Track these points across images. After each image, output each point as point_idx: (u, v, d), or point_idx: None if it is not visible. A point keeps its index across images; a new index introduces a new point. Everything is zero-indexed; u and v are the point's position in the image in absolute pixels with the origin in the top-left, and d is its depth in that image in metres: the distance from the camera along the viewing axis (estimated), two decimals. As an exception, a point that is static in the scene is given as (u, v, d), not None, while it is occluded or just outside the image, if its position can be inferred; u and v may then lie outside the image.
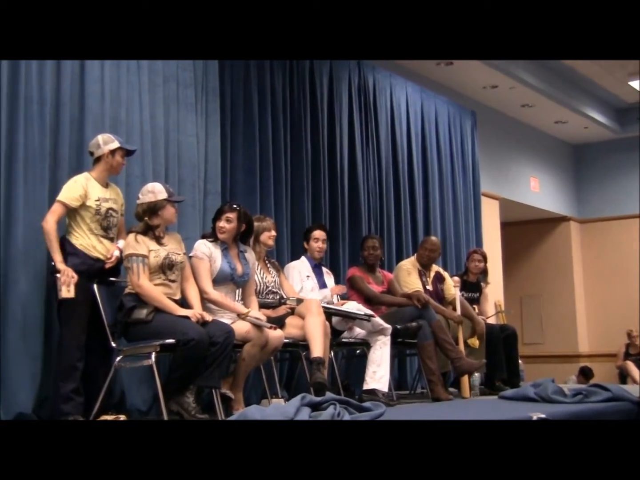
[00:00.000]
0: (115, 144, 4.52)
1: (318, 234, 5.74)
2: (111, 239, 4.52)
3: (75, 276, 4.21)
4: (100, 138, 4.53)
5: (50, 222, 4.29)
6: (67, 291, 4.17)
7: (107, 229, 4.48)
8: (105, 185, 4.54)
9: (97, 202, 4.42)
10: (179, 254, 4.52)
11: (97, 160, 4.52)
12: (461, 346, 6.04)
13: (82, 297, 4.31)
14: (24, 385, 4.35)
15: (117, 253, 4.48)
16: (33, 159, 4.55)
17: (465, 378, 5.96)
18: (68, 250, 4.35)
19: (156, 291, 4.34)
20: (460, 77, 8.69)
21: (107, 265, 4.45)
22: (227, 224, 4.73)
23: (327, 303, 5.40)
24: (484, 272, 7.10)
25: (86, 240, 4.39)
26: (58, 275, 4.19)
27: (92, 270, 4.37)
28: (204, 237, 4.85)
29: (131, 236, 4.40)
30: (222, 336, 4.21)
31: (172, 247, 4.50)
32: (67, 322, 4.31)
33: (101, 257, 4.42)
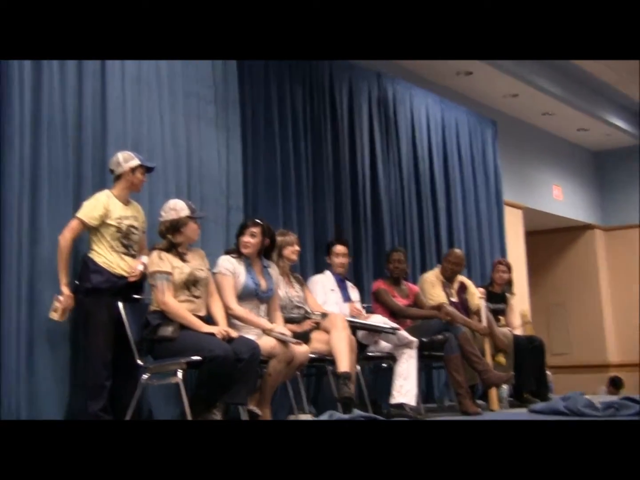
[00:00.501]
0: (136, 162, 4.53)
1: (339, 249, 5.71)
2: (133, 256, 4.51)
3: (72, 304, 4.25)
4: (121, 156, 4.54)
5: (66, 237, 4.31)
6: (56, 314, 4.23)
7: (129, 246, 4.48)
8: (126, 203, 4.54)
9: (119, 220, 4.43)
10: (203, 270, 4.51)
11: (118, 178, 4.53)
12: (488, 358, 5.97)
13: (107, 314, 4.32)
14: (52, 402, 4.35)
15: (140, 267, 4.47)
16: (57, 177, 4.56)
17: (494, 390, 5.90)
18: (91, 268, 4.36)
19: (181, 308, 4.32)
20: (480, 86, 8.65)
21: (131, 279, 4.44)
22: (251, 239, 4.73)
23: (352, 316, 5.37)
24: (509, 283, 7.03)
25: (108, 257, 4.39)
26: (60, 297, 4.23)
27: (115, 288, 4.37)
28: (227, 252, 4.84)
29: (155, 254, 4.39)
30: (248, 352, 4.19)
31: (195, 264, 4.49)
32: (93, 340, 4.31)
33: (124, 274, 4.42)
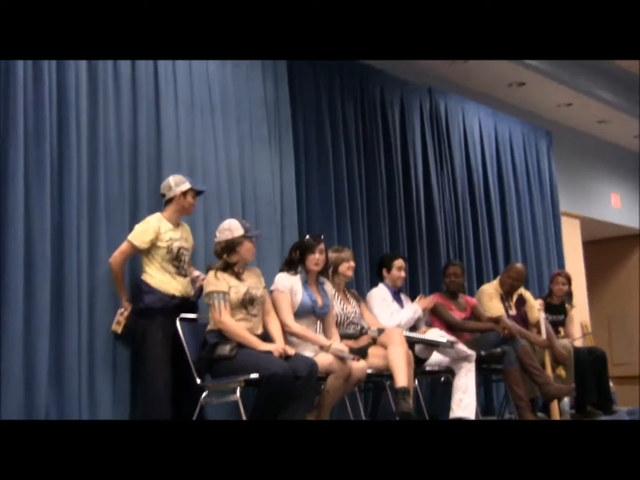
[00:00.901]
0: (187, 185, 4.61)
1: (400, 262, 5.73)
2: (184, 276, 4.62)
3: (126, 315, 4.45)
4: (172, 180, 4.62)
5: (117, 259, 4.46)
6: (119, 327, 4.46)
7: (180, 267, 4.58)
8: (177, 225, 4.64)
9: (169, 242, 4.53)
10: (259, 289, 4.56)
11: (169, 201, 4.63)
12: (548, 370, 5.90)
13: (162, 333, 4.41)
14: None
15: (197, 272, 4.70)
16: (114, 203, 4.69)
17: (555, 403, 5.83)
18: (144, 289, 4.48)
19: (238, 327, 4.38)
20: (533, 97, 8.58)
21: (198, 283, 4.62)
22: (321, 256, 4.77)
23: (410, 329, 5.38)
24: (569, 295, 6.94)
25: (160, 277, 4.50)
26: (122, 310, 4.45)
27: (168, 307, 4.47)
28: (282, 270, 4.88)
29: (211, 273, 4.46)
30: (306, 370, 4.21)
31: (251, 282, 4.54)
32: (151, 359, 4.39)
33: (177, 293, 4.52)
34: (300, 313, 4.70)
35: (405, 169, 6.93)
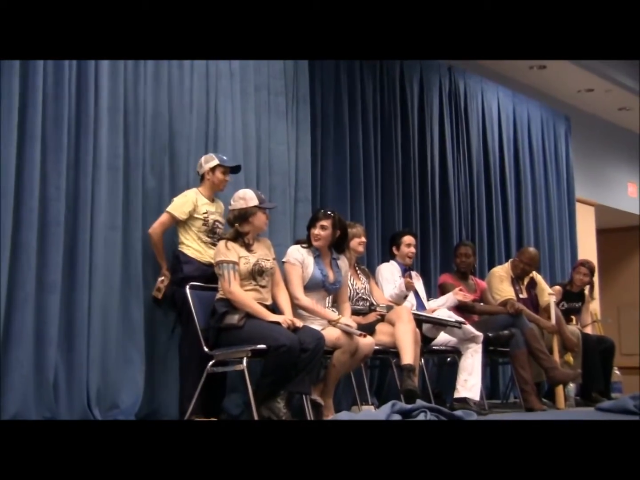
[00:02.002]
0: (215, 162, 4.81)
1: (409, 239, 5.70)
2: None
3: (166, 284, 4.64)
4: (203, 158, 4.87)
5: (157, 230, 4.65)
6: (159, 293, 4.65)
7: (214, 239, 4.73)
8: (212, 200, 4.85)
9: (205, 215, 4.74)
10: (269, 260, 4.56)
11: (202, 177, 4.85)
12: (556, 356, 5.90)
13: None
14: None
15: None
16: (130, 167, 4.75)
17: (560, 388, 5.83)
18: (182, 259, 4.66)
19: (247, 297, 4.39)
20: (553, 80, 8.52)
21: None
22: (322, 232, 4.72)
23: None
24: (591, 286, 6.88)
25: (196, 247, 4.69)
26: (162, 279, 4.66)
27: (206, 275, 4.61)
28: (297, 242, 4.87)
29: (221, 243, 4.47)
30: (313, 342, 4.22)
31: (261, 254, 4.55)
32: (191, 322, 4.48)
33: (213, 262, 4.59)
34: (311, 287, 4.69)
35: (422, 147, 6.90)
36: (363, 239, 5.29)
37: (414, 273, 5.82)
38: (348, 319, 4.64)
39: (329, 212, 4.77)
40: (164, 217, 4.65)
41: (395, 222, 6.46)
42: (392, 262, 5.70)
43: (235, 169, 4.95)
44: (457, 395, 5.29)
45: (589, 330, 6.93)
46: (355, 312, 5.01)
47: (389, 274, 5.56)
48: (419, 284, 5.78)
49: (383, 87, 6.63)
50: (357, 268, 5.34)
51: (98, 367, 4.38)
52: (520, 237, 7.86)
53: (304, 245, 4.77)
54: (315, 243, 4.73)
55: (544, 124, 8.52)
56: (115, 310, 4.52)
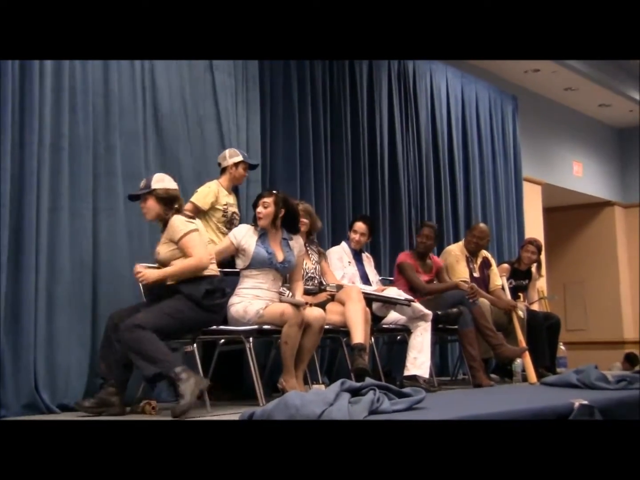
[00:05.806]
0: (239, 158, 5.07)
1: (357, 226, 5.71)
2: None
3: None
4: (227, 152, 5.09)
5: None
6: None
7: (230, 230, 4.81)
8: (230, 193, 5.09)
9: (225, 207, 4.97)
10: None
11: (224, 170, 5.08)
12: (519, 334, 5.96)
13: None
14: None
15: None
16: (77, 147, 4.68)
17: (529, 363, 5.87)
18: None
19: None
20: (501, 61, 8.59)
21: None
22: (263, 209, 4.64)
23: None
24: (539, 264, 6.99)
25: (214, 238, 4.84)
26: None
27: (222, 263, 4.62)
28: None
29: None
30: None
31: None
32: None
33: None
34: (256, 265, 4.58)
35: (371, 128, 6.93)
36: (305, 220, 5.22)
37: (364, 255, 5.85)
38: (299, 298, 4.60)
39: (272, 191, 4.73)
40: (188, 207, 4.67)
41: (345, 203, 6.49)
42: (343, 243, 5.73)
43: (253, 166, 5.21)
44: (406, 373, 5.33)
45: (535, 307, 7.04)
46: (305, 292, 4.99)
47: (337, 259, 5.58)
48: (369, 265, 5.81)
49: (332, 67, 6.63)
50: (307, 248, 5.33)
51: (45, 350, 4.34)
52: (468, 216, 7.96)
53: (252, 224, 4.74)
54: (259, 222, 4.67)
55: (491, 104, 8.61)
56: (61, 291, 4.47)
